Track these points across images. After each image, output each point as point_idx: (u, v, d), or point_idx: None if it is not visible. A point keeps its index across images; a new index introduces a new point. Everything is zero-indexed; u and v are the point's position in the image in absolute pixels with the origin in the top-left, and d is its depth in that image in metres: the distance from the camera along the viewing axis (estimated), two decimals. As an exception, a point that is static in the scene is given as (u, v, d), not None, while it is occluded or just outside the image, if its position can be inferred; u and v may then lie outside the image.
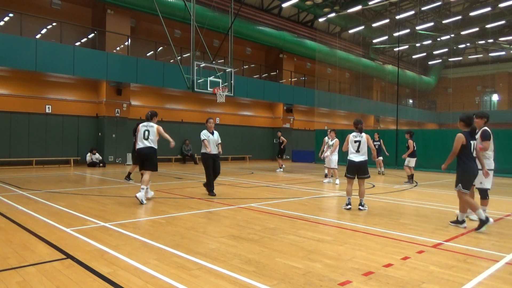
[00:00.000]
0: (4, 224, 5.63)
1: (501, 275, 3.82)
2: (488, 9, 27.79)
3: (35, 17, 17.73)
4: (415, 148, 12.30)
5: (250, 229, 5.54)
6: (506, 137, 16.11)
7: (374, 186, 11.62)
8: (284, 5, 25.23)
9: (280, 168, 16.68)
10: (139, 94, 20.94)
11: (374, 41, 35.37)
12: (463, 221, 5.93)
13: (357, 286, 3.43)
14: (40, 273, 3.62)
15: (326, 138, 13.40)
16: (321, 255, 4.31)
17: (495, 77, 40.84)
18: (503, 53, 37.96)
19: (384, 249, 4.59)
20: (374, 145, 15.13)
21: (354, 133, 7.42)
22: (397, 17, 28.68)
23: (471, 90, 42.72)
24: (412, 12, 29.56)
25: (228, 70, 16.11)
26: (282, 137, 16.75)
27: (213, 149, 8.79)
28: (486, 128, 6.22)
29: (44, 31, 19.04)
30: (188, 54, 18.46)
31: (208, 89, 15.65)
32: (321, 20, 29.06)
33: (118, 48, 20.03)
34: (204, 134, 8.78)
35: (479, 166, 5.89)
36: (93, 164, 17.33)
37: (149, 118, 7.96)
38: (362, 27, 31.06)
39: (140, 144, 7.77)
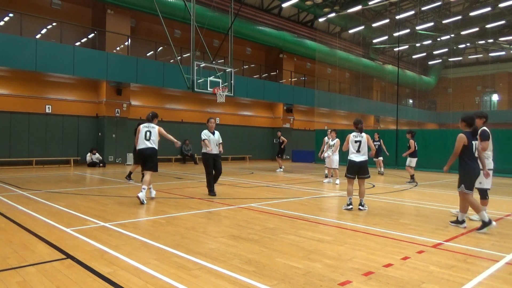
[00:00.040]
0: (4, 224, 5.63)
1: (501, 275, 3.82)
2: (488, 9, 27.79)
3: (35, 17, 17.74)
4: (416, 148, 12.29)
5: (250, 229, 5.54)
6: (506, 137, 16.11)
7: (374, 186, 11.62)
8: (284, 5, 25.23)
9: (280, 168, 16.68)
10: (139, 94, 20.94)
11: (374, 41, 35.37)
12: (463, 221, 5.93)
13: (357, 286, 3.43)
14: (40, 273, 3.62)
15: (326, 138, 13.40)
16: (321, 255, 4.31)
17: (495, 77, 40.85)
18: (503, 53, 37.96)
19: (384, 249, 4.60)
20: (374, 145, 15.20)
21: (354, 133, 7.41)
22: (397, 17, 28.68)
23: (471, 90, 42.73)
24: (412, 12, 29.56)
25: (228, 70, 16.11)
26: (282, 137, 16.75)
27: (214, 149, 8.79)
28: (485, 128, 6.22)
29: (44, 31, 19.04)
30: (188, 54, 18.46)
31: (208, 89, 15.65)
32: (321, 20, 29.06)
33: (118, 48, 20.03)
34: (205, 134, 8.79)
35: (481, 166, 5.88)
36: (93, 164, 17.33)
37: (150, 119, 8.03)
38: (362, 27, 31.07)
39: (142, 144, 7.81)
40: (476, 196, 6.20)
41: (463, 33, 33.24)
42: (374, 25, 31.44)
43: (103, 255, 4.18)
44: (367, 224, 6.07)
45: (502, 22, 30.64)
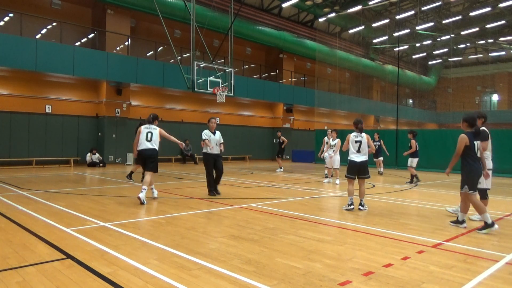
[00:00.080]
0: (4, 224, 5.63)
1: (501, 275, 3.82)
2: (488, 9, 27.80)
3: (35, 17, 17.74)
4: (417, 148, 12.28)
5: (250, 229, 5.54)
6: (506, 137, 16.11)
7: (374, 186, 11.62)
8: (284, 5, 25.24)
9: (280, 168, 16.68)
10: (139, 94, 20.94)
11: (374, 41, 35.38)
12: (463, 221, 5.93)
13: (357, 286, 3.43)
14: (40, 273, 3.62)
15: (326, 138, 13.38)
16: (321, 255, 4.31)
17: (495, 77, 40.85)
18: (503, 53, 37.97)
19: (384, 249, 4.60)
20: (374, 145, 15.20)
21: (354, 133, 7.39)
22: (397, 17, 28.68)
23: (471, 90, 42.73)
24: (412, 12, 29.58)
25: (228, 70, 16.11)
26: (282, 137, 16.75)
27: (214, 149, 8.78)
28: (484, 128, 6.21)
29: (44, 31, 19.05)
30: (188, 54, 18.46)
31: (208, 89, 15.65)
32: (321, 20, 29.07)
33: (118, 48, 20.03)
34: (206, 134, 8.77)
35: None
36: (93, 164, 17.34)
37: (151, 121, 8.10)
38: (362, 27, 31.08)
39: (143, 145, 7.85)
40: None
41: (463, 33, 33.25)
42: (374, 25, 31.44)
43: (103, 255, 4.18)
44: (367, 224, 6.07)
45: (502, 22, 30.65)
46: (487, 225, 5.51)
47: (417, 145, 12.26)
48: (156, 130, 7.94)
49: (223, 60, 21.67)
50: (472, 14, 29.30)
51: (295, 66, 29.47)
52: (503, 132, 16.53)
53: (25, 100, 17.13)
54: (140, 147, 7.87)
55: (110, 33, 19.23)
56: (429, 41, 36.52)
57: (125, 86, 19.25)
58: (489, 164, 6.34)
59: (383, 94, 38.22)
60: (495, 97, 42.86)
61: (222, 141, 8.93)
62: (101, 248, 4.44)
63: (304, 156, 24.59)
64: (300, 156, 24.91)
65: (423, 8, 30.21)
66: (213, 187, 8.90)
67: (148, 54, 21.69)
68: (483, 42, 35.47)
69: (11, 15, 17.80)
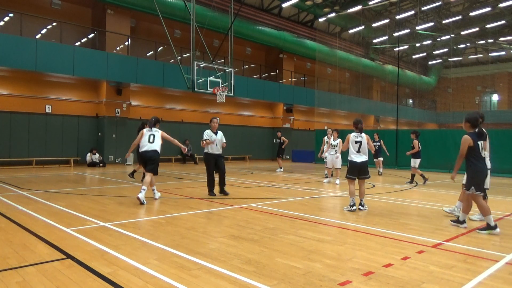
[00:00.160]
0: (4, 224, 5.63)
1: (501, 275, 3.82)
2: (488, 9, 27.80)
3: (35, 17, 17.74)
4: (420, 149, 12.27)
5: (250, 229, 5.54)
6: (506, 137, 16.10)
7: (374, 186, 11.62)
8: (284, 5, 25.24)
9: (280, 168, 16.68)
10: (139, 94, 20.95)
11: (374, 41, 35.38)
12: (463, 221, 5.92)
13: (357, 286, 3.43)
14: (40, 273, 3.62)
15: (326, 138, 13.36)
16: (321, 255, 4.31)
17: (495, 77, 40.85)
18: (503, 53, 37.97)
19: (384, 249, 4.60)
20: (374, 146, 15.18)
21: (354, 133, 7.36)
22: (397, 17, 28.68)
23: (471, 90, 42.73)
24: (412, 12, 29.57)
25: (228, 70, 16.11)
26: (283, 137, 16.76)
27: (216, 149, 8.77)
28: (481, 128, 6.20)
29: (44, 31, 19.05)
30: (188, 54, 18.46)
31: (208, 89, 15.65)
32: (321, 20, 29.07)
33: (118, 48, 20.03)
34: (207, 134, 8.74)
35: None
36: (93, 164, 17.34)
37: (153, 124, 8.17)
38: (362, 27, 31.08)
39: (145, 147, 7.93)
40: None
41: (463, 33, 33.25)
42: (374, 25, 31.44)
43: (103, 255, 4.18)
44: (367, 224, 6.07)
45: (502, 22, 30.65)
46: (489, 227, 5.50)
47: (419, 146, 12.24)
48: (158, 133, 8.06)
49: (223, 60, 21.67)
50: (472, 14, 29.30)
51: (295, 66, 29.48)
52: (503, 132, 16.53)
53: (25, 100, 17.13)
54: (142, 149, 7.97)
55: (110, 33, 19.23)
56: (429, 41, 36.52)
57: (125, 86, 19.25)
58: (487, 164, 6.33)
59: (383, 94, 38.23)
60: (495, 97, 42.86)
61: (224, 140, 8.90)
62: (101, 248, 4.44)
63: (304, 156, 24.59)
64: (300, 156, 24.91)
65: (423, 8, 30.21)
66: (213, 187, 8.89)
67: (148, 54, 21.69)
68: (483, 42, 35.47)
69: (11, 15, 17.80)
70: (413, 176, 12.58)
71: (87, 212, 6.57)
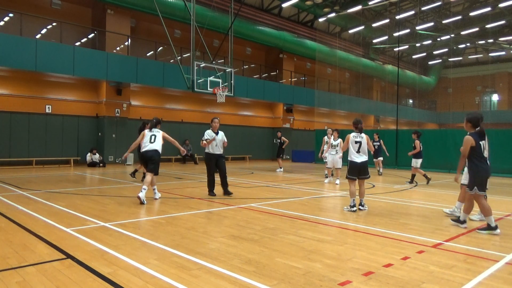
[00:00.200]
0: (4, 224, 5.63)
1: (501, 275, 3.82)
2: (488, 9, 27.81)
3: (35, 17, 17.74)
4: (421, 149, 12.26)
5: (250, 229, 5.54)
6: (506, 137, 16.10)
7: (374, 186, 11.62)
8: (284, 5, 25.24)
9: (280, 168, 16.68)
10: (139, 94, 20.95)
11: (374, 41, 35.38)
12: (464, 221, 5.91)
13: (357, 286, 3.43)
14: (40, 273, 3.62)
15: (326, 137, 13.34)
16: (321, 255, 4.31)
17: (495, 77, 40.85)
18: (503, 53, 37.97)
19: (384, 249, 4.59)
20: (374, 146, 15.17)
21: (354, 134, 7.33)
22: (397, 17, 28.68)
23: (471, 90, 42.73)
24: (412, 12, 29.58)
25: (228, 70, 16.11)
26: (283, 137, 16.77)
27: (217, 149, 8.76)
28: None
29: (44, 31, 19.05)
30: (188, 54, 18.46)
31: (208, 89, 15.65)
32: (321, 20, 29.07)
33: (118, 48, 20.03)
34: (208, 134, 8.74)
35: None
36: (93, 164, 17.34)
37: (154, 125, 8.27)
38: (362, 27, 31.08)
39: (146, 147, 7.98)
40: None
41: (463, 33, 33.25)
42: (374, 25, 31.44)
43: (103, 255, 4.18)
44: (367, 224, 6.07)
45: (502, 22, 30.65)
46: (490, 228, 5.50)
47: (421, 146, 12.23)
48: (159, 133, 8.15)
49: (223, 60, 21.67)
50: (472, 14, 29.30)
51: (295, 66, 29.47)
52: (503, 132, 16.53)
53: (25, 100, 17.13)
54: (143, 149, 8.03)
55: (110, 33, 19.23)
56: (429, 41, 36.52)
57: (125, 86, 19.25)
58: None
59: (383, 94, 38.23)
60: (495, 97, 42.87)
61: (225, 140, 8.88)
62: (101, 248, 4.44)
63: (304, 156, 24.59)
64: (300, 156, 24.91)
65: (423, 8, 30.22)
66: (213, 187, 8.90)
67: (148, 54, 21.69)
68: (483, 42, 35.47)
69: (11, 15, 17.80)
70: (413, 176, 12.56)
71: (87, 212, 6.57)
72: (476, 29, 32.19)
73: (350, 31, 31.92)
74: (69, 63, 16.55)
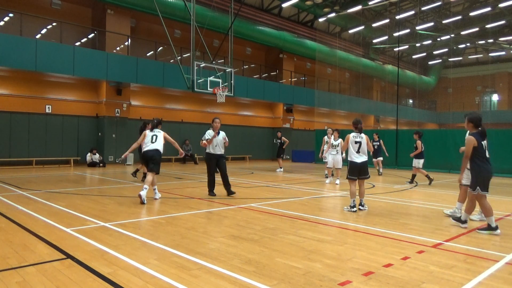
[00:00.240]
0: (4, 224, 5.63)
1: (501, 275, 3.82)
2: (488, 9, 27.81)
3: (35, 17, 17.74)
4: (423, 149, 12.24)
5: (250, 229, 5.54)
6: (506, 137, 16.11)
7: (374, 186, 11.62)
8: (284, 5, 25.24)
9: (280, 168, 16.68)
10: (139, 94, 20.94)
11: (374, 41, 35.38)
12: (465, 221, 5.91)
13: (357, 286, 3.43)
14: (40, 273, 3.62)
15: (326, 137, 13.34)
16: (321, 255, 4.31)
17: (495, 77, 40.86)
18: (503, 53, 37.97)
19: (384, 249, 4.59)
20: (373, 146, 15.17)
21: (354, 134, 7.31)
22: (397, 17, 28.69)
23: (471, 90, 42.74)
24: (412, 12, 29.58)
25: (228, 70, 16.10)
26: (284, 138, 16.77)
27: (218, 150, 8.75)
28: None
29: (44, 31, 19.05)
30: (188, 54, 18.46)
31: (208, 89, 15.65)
32: (321, 20, 29.07)
33: (118, 48, 20.03)
34: (209, 134, 8.75)
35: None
36: (93, 164, 17.34)
37: (155, 125, 8.36)
38: (362, 27, 31.08)
39: (148, 147, 8.02)
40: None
41: (463, 33, 33.25)
42: (374, 25, 31.44)
43: (103, 255, 4.18)
44: (367, 224, 6.07)
45: (502, 22, 30.66)
46: (490, 228, 5.50)
47: (422, 146, 12.21)
48: (160, 133, 8.22)
49: (223, 60, 21.67)
50: (472, 14, 29.30)
51: (295, 66, 29.47)
52: (503, 132, 16.53)
53: (25, 100, 17.13)
54: (145, 149, 8.07)
55: (110, 33, 19.23)
56: (429, 41, 36.52)
57: (125, 86, 19.25)
58: None
59: (383, 94, 38.23)
60: (495, 97, 42.87)
61: (226, 140, 8.86)
62: (101, 248, 4.44)
63: (304, 156, 24.59)
64: (300, 156, 24.91)
65: (423, 8, 30.22)
66: (213, 187, 8.90)
67: (148, 54, 21.69)
68: (483, 42, 35.48)
69: (11, 15, 17.80)
70: (413, 176, 12.54)
71: (87, 212, 6.57)
72: (476, 29, 32.19)
73: (350, 31, 31.92)
74: (69, 63, 16.55)
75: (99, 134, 19.12)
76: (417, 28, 32.47)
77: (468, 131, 5.94)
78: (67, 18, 18.76)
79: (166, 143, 8.34)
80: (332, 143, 12.15)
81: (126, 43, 19.98)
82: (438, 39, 35.68)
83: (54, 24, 18.82)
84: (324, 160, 13.36)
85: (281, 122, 27.11)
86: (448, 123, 39.24)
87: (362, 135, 7.31)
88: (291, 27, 28.53)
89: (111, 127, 19.03)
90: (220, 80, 15.99)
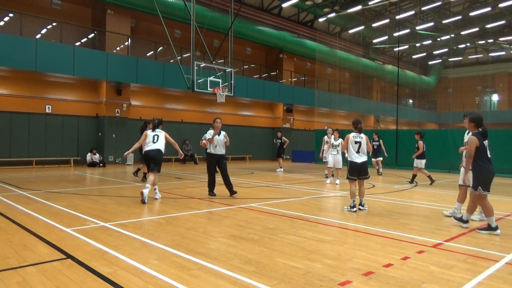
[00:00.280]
0: (4, 224, 5.63)
1: (501, 275, 3.82)
2: (488, 9, 27.81)
3: (35, 17, 17.74)
4: (424, 149, 12.22)
5: (250, 229, 5.54)
6: (506, 137, 16.10)
7: (374, 186, 11.62)
8: (284, 5, 25.24)
9: (280, 168, 16.68)
10: (139, 94, 20.94)
11: (374, 41, 35.38)
12: (467, 221, 5.90)
13: (357, 286, 3.43)
14: (40, 273, 3.62)
15: (326, 137, 13.33)
16: (321, 255, 4.31)
17: (495, 77, 40.86)
18: (503, 53, 37.97)
19: (384, 249, 4.59)
20: (373, 146, 15.17)
21: (353, 134, 7.30)
22: (397, 17, 28.69)
23: (471, 90, 42.74)
24: (412, 12, 29.58)
25: (228, 70, 16.11)
26: (284, 137, 16.77)
27: (219, 150, 8.74)
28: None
29: (44, 31, 19.05)
30: (188, 54, 18.46)
31: (208, 89, 15.65)
32: (321, 20, 29.07)
33: (118, 48, 20.03)
34: (210, 134, 8.75)
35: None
36: (93, 164, 17.34)
37: (156, 126, 8.37)
38: (362, 27, 31.08)
39: (149, 147, 8.04)
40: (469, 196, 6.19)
41: (463, 33, 33.25)
42: (374, 25, 31.44)
43: (103, 255, 4.18)
44: (367, 224, 6.07)
45: (502, 22, 30.65)
46: (490, 228, 5.49)
47: (424, 146, 12.18)
48: (162, 134, 8.26)
49: (223, 60, 21.67)
50: (472, 14, 29.30)
51: (295, 66, 29.47)
52: (503, 132, 16.53)
53: (25, 100, 17.13)
54: (146, 148, 8.09)
55: (110, 33, 19.22)
56: (429, 41, 36.52)
57: (125, 86, 19.25)
58: None
59: (383, 94, 38.22)
60: (495, 97, 42.87)
61: (226, 140, 8.85)
62: (101, 248, 4.44)
63: (304, 156, 24.59)
64: (300, 156, 24.91)
65: (423, 8, 30.22)
66: (213, 187, 8.90)
67: (148, 54, 21.69)
68: (483, 42, 35.48)
69: (11, 15, 17.80)
70: (414, 176, 12.52)
71: (87, 212, 6.57)
72: (476, 29, 32.20)
73: (350, 31, 31.92)
74: (69, 63, 16.55)
75: (99, 134, 19.12)
76: (417, 28, 32.47)
77: (467, 131, 5.93)
78: (67, 18, 18.76)
79: (167, 144, 8.35)
80: (333, 143, 12.13)
81: (126, 43, 19.97)
82: (438, 39, 35.69)
83: (54, 24, 18.82)
84: (324, 160, 13.35)
85: (281, 122, 27.10)
86: (448, 123, 39.24)
87: (362, 135, 7.31)
88: (291, 27, 28.53)
89: (111, 127, 19.03)
90: (220, 80, 15.99)
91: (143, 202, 7.50)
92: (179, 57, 17.73)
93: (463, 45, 39.11)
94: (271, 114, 27.86)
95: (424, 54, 40.73)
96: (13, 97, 16.84)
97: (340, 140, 11.96)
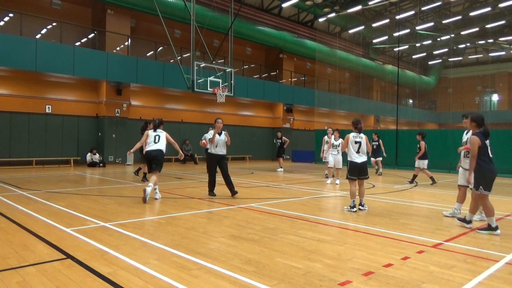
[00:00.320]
0: (4, 224, 5.63)
1: (501, 275, 3.82)
2: (488, 9, 27.81)
3: (35, 17, 17.74)
4: (426, 150, 12.20)
5: (250, 229, 5.54)
6: (506, 137, 16.10)
7: (374, 186, 11.62)
8: (284, 5, 25.24)
9: (281, 168, 16.68)
10: (139, 94, 20.94)
11: (374, 41, 35.38)
12: (470, 221, 5.90)
13: (357, 286, 3.43)
14: (40, 273, 3.62)
15: (326, 137, 13.32)
16: (321, 255, 4.31)
17: (495, 77, 40.85)
18: (503, 53, 37.97)
19: (384, 249, 4.59)
20: (373, 145, 15.17)
21: (353, 134, 7.29)
22: (397, 17, 28.69)
23: (471, 90, 42.74)
24: (412, 12, 29.58)
25: (228, 70, 16.11)
26: (284, 137, 16.77)
27: (219, 150, 8.74)
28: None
29: (44, 31, 19.05)
30: (188, 54, 18.46)
31: (208, 89, 15.65)
32: (321, 20, 29.07)
33: (118, 48, 20.03)
34: (210, 134, 8.78)
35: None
36: (93, 164, 17.33)
37: (157, 126, 8.42)
38: (362, 27, 31.07)
39: (151, 147, 8.07)
40: (469, 196, 6.19)
41: (463, 33, 33.25)
42: (374, 25, 31.44)
43: (103, 255, 4.18)
44: (367, 224, 6.07)
45: (502, 22, 30.66)
46: (490, 228, 5.49)
47: (426, 146, 12.16)
48: (163, 134, 8.31)
49: (223, 60, 21.67)
50: (472, 14, 29.30)
51: (295, 66, 29.47)
52: (503, 132, 16.53)
53: (25, 100, 17.13)
54: (147, 148, 8.13)
55: (110, 33, 19.22)
56: (429, 41, 36.52)
57: (125, 86, 19.25)
58: None
59: (383, 94, 38.22)
60: (495, 97, 42.87)
61: (226, 140, 8.83)
62: (101, 248, 4.44)
63: (304, 156, 24.58)
64: (300, 156, 24.91)
65: (423, 8, 30.22)
66: (213, 187, 8.90)
67: (148, 54, 21.69)
68: (483, 42, 35.47)
69: (11, 15, 17.79)
70: (414, 176, 12.50)
71: (87, 212, 6.57)
72: (476, 29, 32.19)
73: (350, 31, 31.91)
74: (69, 63, 16.55)
75: (99, 134, 19.12)
76: (417, 28, 32.47)
77: (466, 131, 5.93)
78: (67, 18, 18.76)
79: (167, 144, 8.38)
80: (333, 143, 12.12)
81: (126, 43, 19.97)
82: (438, 39, 35.69)
83: (54, 24, 18.82)
84: (324, 160, 13.34)
85: (281, 122, 27.10)
86: (448, 123, 39.24)
87: (362, 135, 7.31)
88: (291, 27, 28.52)
89: (111, 127, 19.03)
90: (220, 80, 15.99)
91: (144, 200, 7.51)
92: (179, 57, 17.73)
93: (463, 45, 39.11)
94: (271, 114, 27.86)
95: (424, 54, 40.73)
96: (13, 97, 16.84)
97: (340, 140, 11.95)
